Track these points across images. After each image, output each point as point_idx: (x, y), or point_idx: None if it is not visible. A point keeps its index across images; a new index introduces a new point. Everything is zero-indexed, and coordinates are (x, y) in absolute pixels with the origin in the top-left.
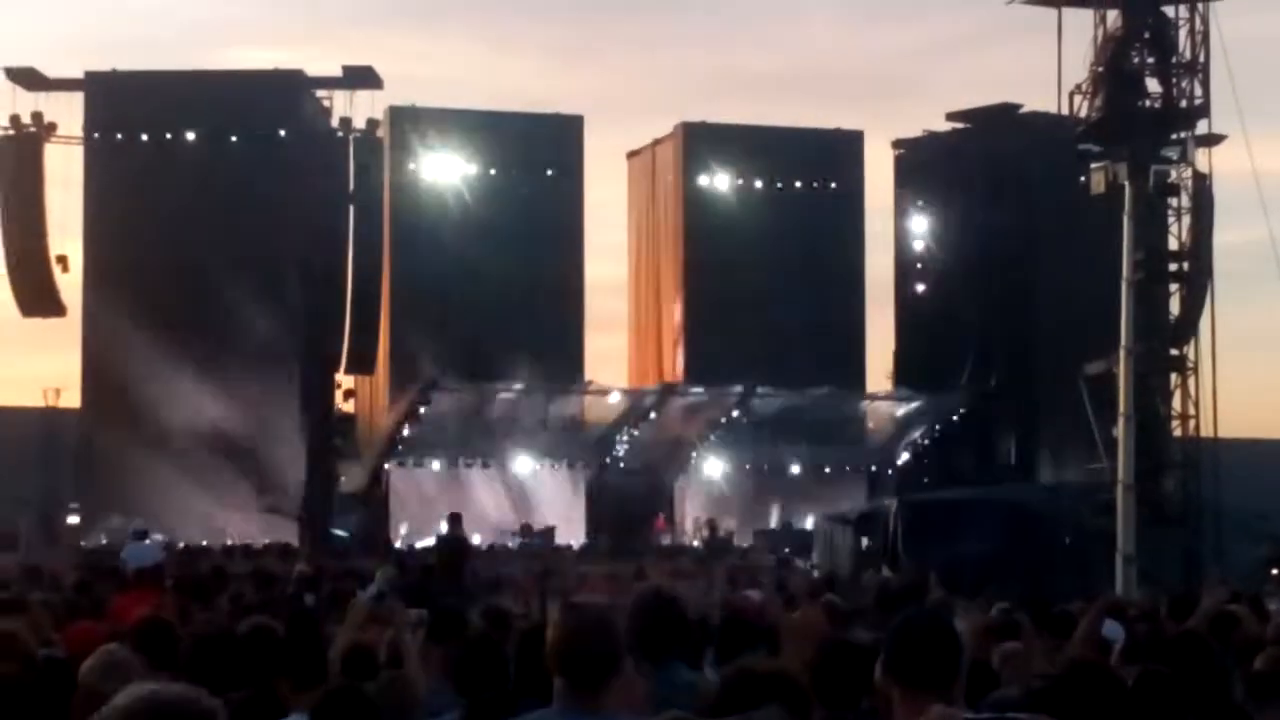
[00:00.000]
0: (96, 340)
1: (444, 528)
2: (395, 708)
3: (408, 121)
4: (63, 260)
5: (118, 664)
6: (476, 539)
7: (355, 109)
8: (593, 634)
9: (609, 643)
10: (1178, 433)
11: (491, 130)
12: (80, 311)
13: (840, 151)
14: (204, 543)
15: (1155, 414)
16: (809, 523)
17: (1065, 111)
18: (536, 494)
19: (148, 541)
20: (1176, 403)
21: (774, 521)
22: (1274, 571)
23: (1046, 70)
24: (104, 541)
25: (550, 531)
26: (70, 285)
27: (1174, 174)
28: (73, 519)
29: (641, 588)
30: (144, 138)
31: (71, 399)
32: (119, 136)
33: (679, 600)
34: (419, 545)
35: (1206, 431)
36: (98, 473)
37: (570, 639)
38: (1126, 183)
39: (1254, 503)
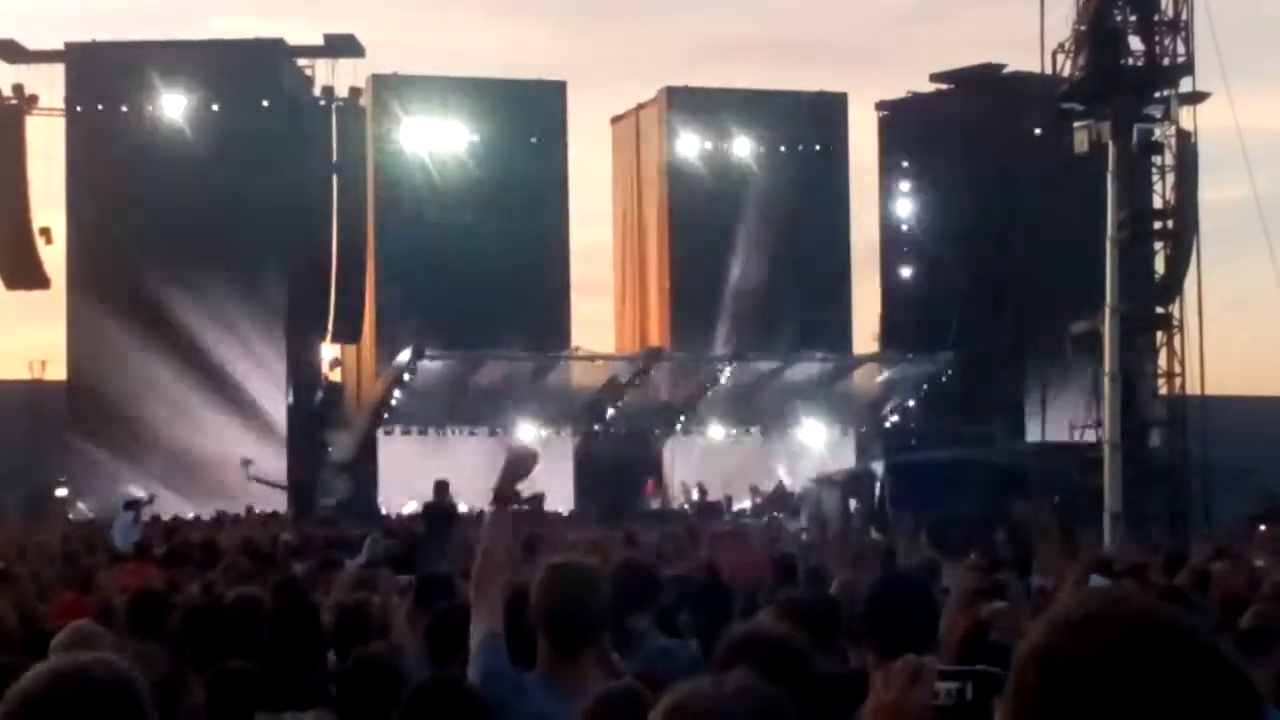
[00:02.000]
0: (82, 312)
1: (431, 495)
2: None
3: (390, 89)
4: (46, 233)
5: (86, 637)
6: (464, 506)
7: (337, 78)
8: (576, 592)
9: (592, 602)
10: (1164, 391)
11: (475, 97)
12: (65, 284)
13: (824, 114)
14: (192, 514)
15: (1141, 372)
16: (798, 485)
17: (1048, 71)
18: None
19: (137, 512)
20: (1162, 361)
21: (765, 484)
22: (1260, 527)
23: (1029, 30)
24: (91, 515)
25: (539, 498)
26: (54, 258)
27: (1158, 132)
28: (61, 491)
29: (616, 559)
30: (125, 109)
31: (57, 371)
32: (100, 108)
33: (652, 568)
34: (406, 512)
35: (1192, 389)
36: (85, 444)
37: (554, 598)
38: (1110, 141)
39: (1240, 459)
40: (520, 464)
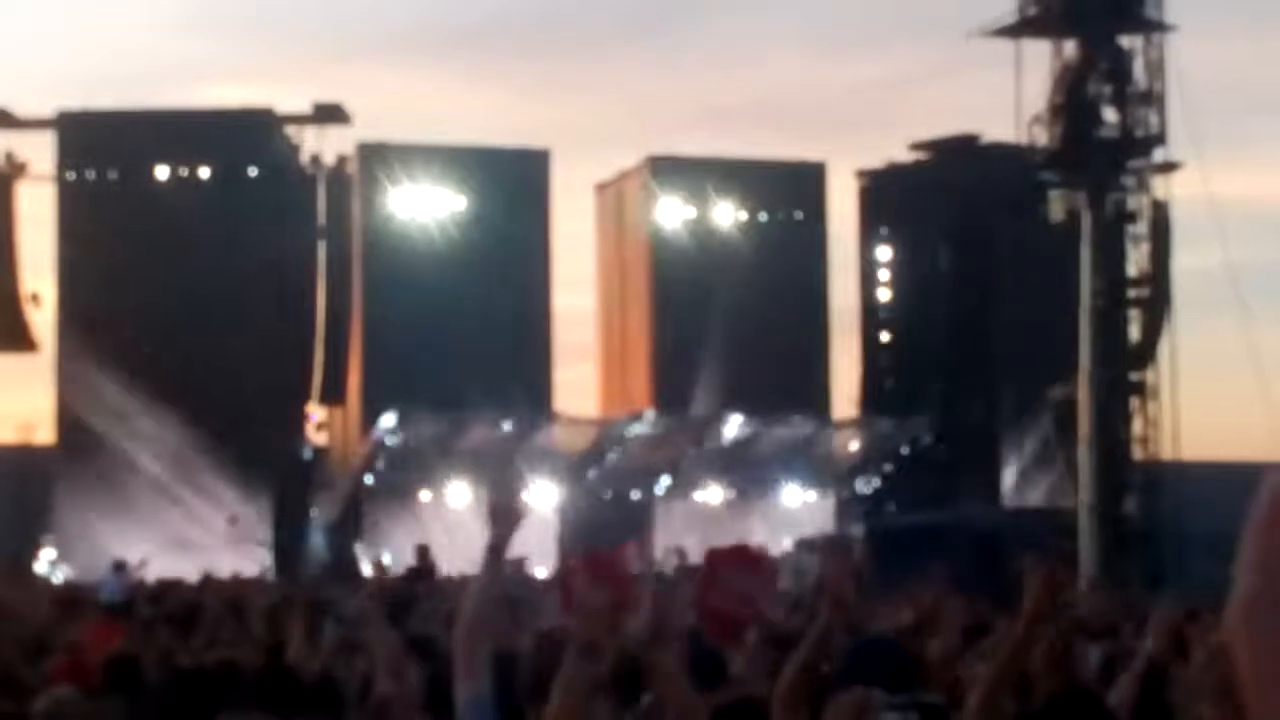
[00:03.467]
0: (69, 377)
1: (413, 559)
2: None
3: (377, 157)
4: (35, 298)
5: (62, 705)
6: (446, 570)
7: (325, 145)
8: (551, 658)
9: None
10: (1139, 456)
11: (460, 165)
12: (53, 348)
13: (805, 182)
14: (178, 576)
15: (1116, 437)
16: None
17: (1024, 141)
18: (524, 513)
19: (125, 573)
20: (1137, 426)
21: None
22: None
23: (1005, 101)
24: (70, 577)
25: (521, 562)
26: (43, 323)
27: (1131, 201)
28: (47, 554)
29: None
30: (114, 176)
31: (45, 435)
32: (90, 175)
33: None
34: (391, 574)
35: (1167, 454)
36: (71, 509)
37: (546, 667)
38: (1085, 210)
39: (1216, 523)
40: (507, 514)
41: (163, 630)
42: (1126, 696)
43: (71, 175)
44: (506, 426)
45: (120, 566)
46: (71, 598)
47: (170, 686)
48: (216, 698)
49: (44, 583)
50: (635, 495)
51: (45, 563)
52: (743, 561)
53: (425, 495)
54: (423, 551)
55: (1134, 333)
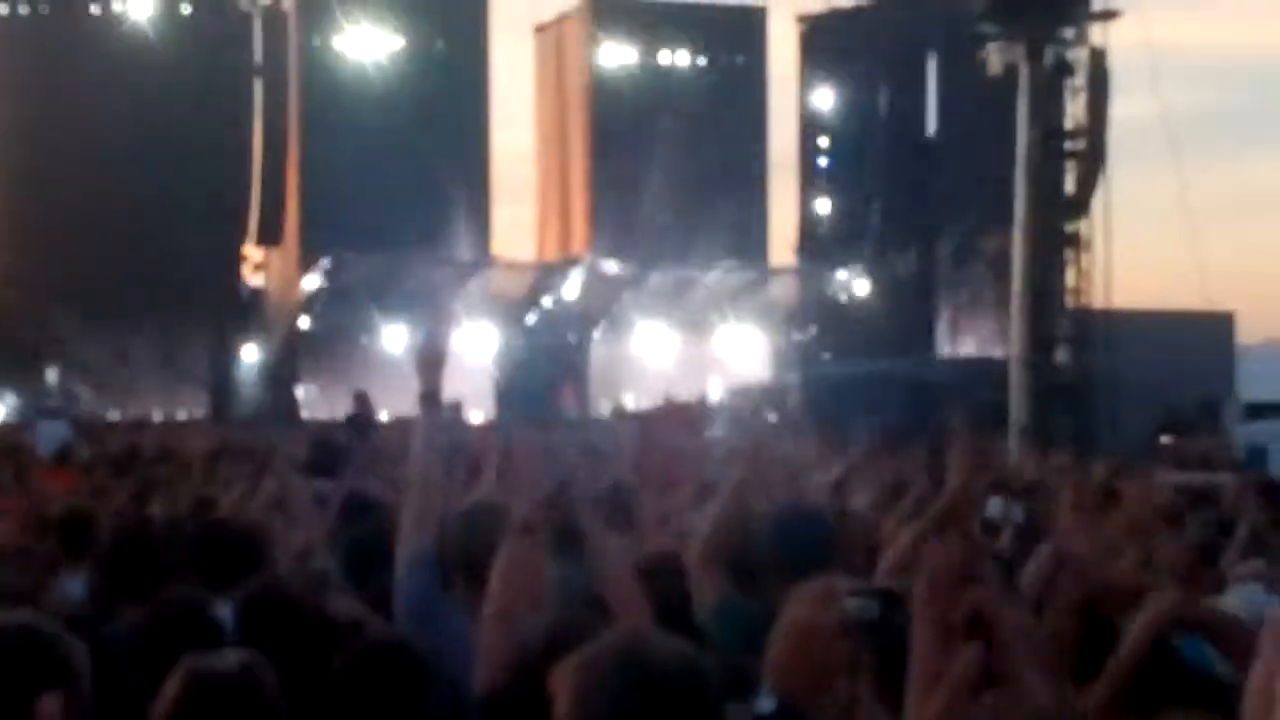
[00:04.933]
0: (6, 212)
1: (351, 406)
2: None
3: None
4: None
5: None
6: (384, 414)
7: None
8: (486, 532)
9: (494, 538)
10: (1071, 306)
11: (398, 4)
12: None
13: (745, 26)
14: (114, 415)
15: (1049, 289)
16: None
17: None
18: (447, 355)
19: (58, 419)
20: (1070, 277)
21: (681, 395)
22: (1163, 439)
23: None
24: (12, 417)
25: (458, 406)
26: None
27: (1070, 54)
28: None
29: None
30: (46, 10)
31: None
32: (23, 9)
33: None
34: (328, 419)
35: (1100, 305)
36: (10, 345)
37: (467, 538)
38: (1023, 63)
39: (1146, 374)
40: (432, 359)
41: (100, 475)
42: (1040, 576)
43: (3, 9)
44: (444, 269)
45: (53, 413)
46: (11, 445)
47: (118, 548)
48: (163, 558)
49: None
50: (572, 339)
51: None
52: (674, 419)
53: (363, 338)
54: (361, 398)
55: (1069, 184)
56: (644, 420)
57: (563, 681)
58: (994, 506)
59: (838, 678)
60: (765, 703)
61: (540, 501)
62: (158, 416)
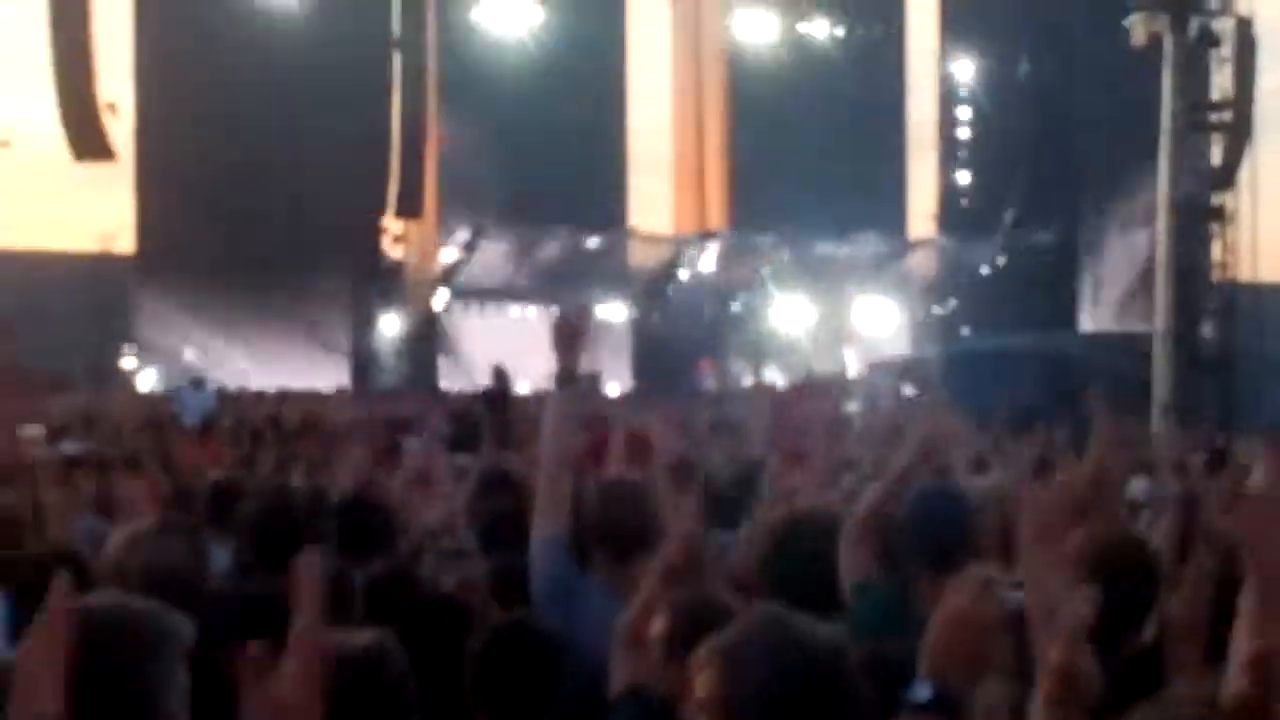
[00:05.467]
0: (149, 187)
1: (490, 379)
2: None
3: None
4: (112, 106)
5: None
6: (524, 388)
7: None
8: (630, 507)
9: (644, 515)
10: (1217, 279)
11: None
12: (133, 157)
13: None
14: (257, 388)
15: (1194, 262)
16: (853, 370)
17: None
18: (590, 335)
19: (203, 390)
20: (1216, 251)
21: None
22: None
23: None
24: (158, 386)
25: (596, 377)
26: (121, 132)
27: (1216, 24)
28: (128, 362)
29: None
30: None
31: (124, 245)
32: None
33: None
34: (469, 392)
35: (1246, 279)
36: (151, 318)
37: (608, 513)
38: (1167, 34)
39: None
40: (572, 335)
41: (244, 445)
42: (1168, 535)
43: None
44: (581, 242)
45: (199, 384)
46: (156, 416)
47: (260, 518)
48: (301, 536)
49: (128, 390)
50: (709, 312)
51: (127, 370)
52: (810, 394)
53: (500, 310)
54: (499, 373)
55: (1215, 156)
56: (778, 395)
57: (706, 664)
58: (1137, 487)
59: (995, 669)
60: (922, 691)
61: (684, 551)
62: (299, 387)
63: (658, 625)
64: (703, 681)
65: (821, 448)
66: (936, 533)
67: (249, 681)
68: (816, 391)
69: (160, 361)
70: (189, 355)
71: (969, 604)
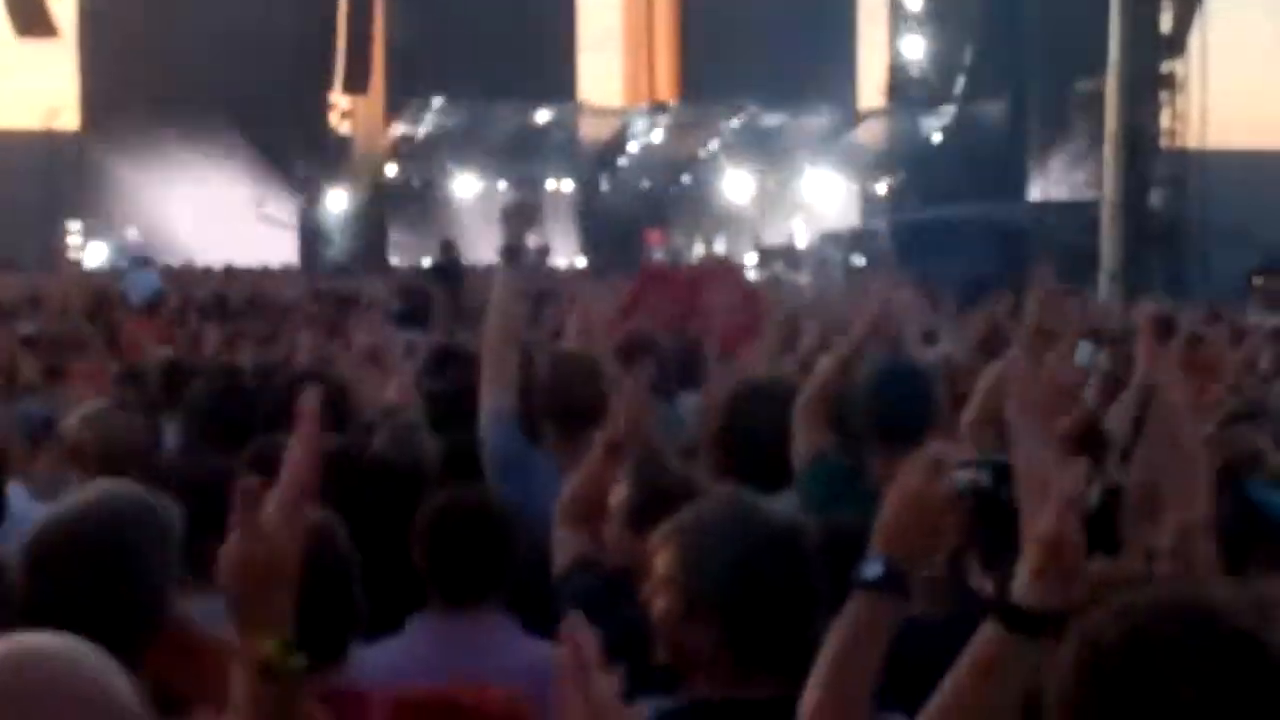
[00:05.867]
0: (93, 62)
1: (439, 253)
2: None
3: None
4: None
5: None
6: (472, 261)
7: None
8: (579, 381)
9: (593, 388)
10: (1166, 146)
11: None
12: (75, 34)
13: None
14: (203, 263)
15: (1143, 131)
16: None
17: None
18: (539, 214)
19: (148, 270)
20: (1165, 119)
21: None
22: (1257, 281)
23: None
24: (105, 262)
25: (545, 250)
26: (63, 9)
27: None
28: (74, 239)
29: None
30: None
31: (69, 121)
32: None
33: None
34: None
35: (1194, 146)
36: (97, 192)
37: (558, 387)
38: None
39: (1241, 215)
40: (521, 214)
41: (191, 323)
42: (1123, 423)
43: None
44: (530, 116)
45: (144, 262)
46: (102, 296)
47: (213, 398)
48: (251, 415)
49: (75, 270)
50: (658, 184)
51: (74, 246)
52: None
53: (450, 186)
54: (448, 246)
55: (1165, 23)
56: (677, 275)
57: (666, 542)
58: (1083, 353)
59: (945, 547)
60: (873, 567)
61: (631, 424)
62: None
63: (617, 496)
64: (662, 559)
65: (748, 325)
66: (890, 407)
67: (241, 511)
68: (726, 274)
69: (106, 237)
70: (133, 233)
71: (921, 483)
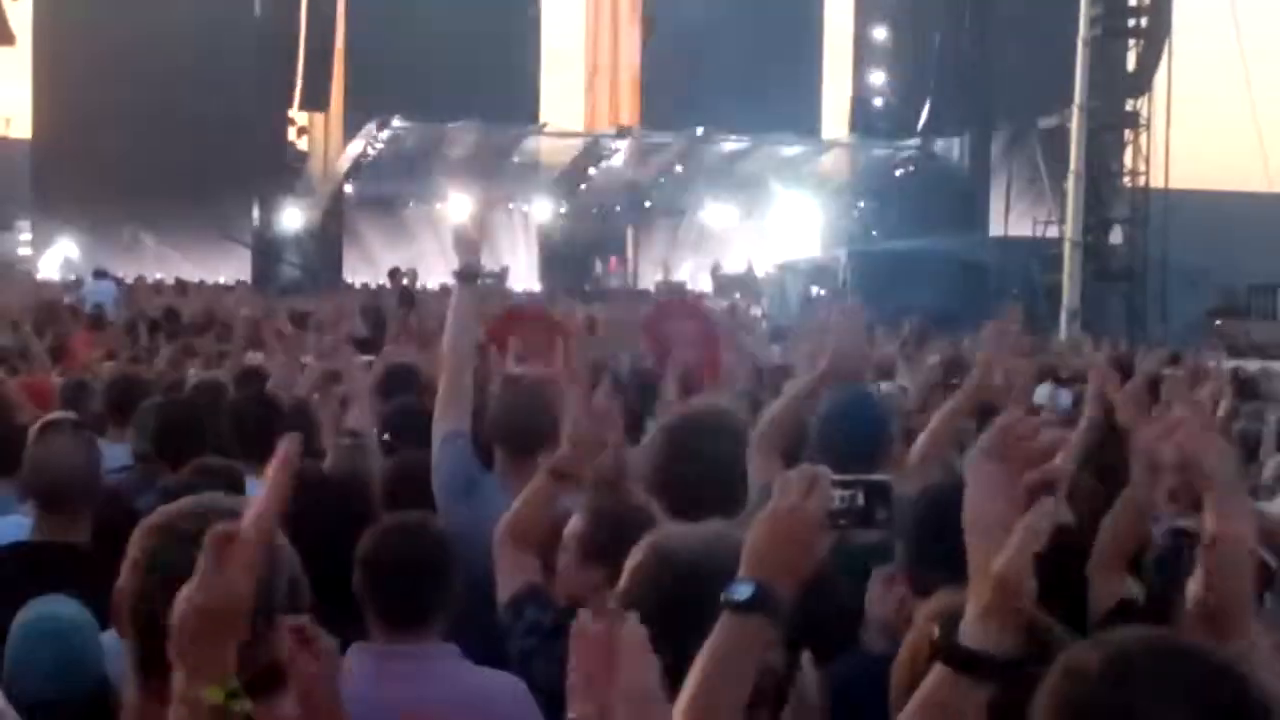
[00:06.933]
0: (48, 71)
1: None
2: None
3: None
4: None
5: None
6: (430, 282)
7: None
8: (527, 407)
9: (543, 415)
10: (1128, 186)
11: None
12: (30, 41)
13: None
14: (158, 276)
15: (1106, 169)
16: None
17: None
18: (491, 235)
19: (106, 281)
20: (1128, 158)
21: (735, 267)
22: (1217, 322)
23: None
24: (55, 274)
25: (503, 274)
26: (19, 17)
27: None
28: (24, 250)
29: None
30: None
31: (20, 130)
32: None
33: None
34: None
35: (1158, 185)
36: (50, 204)
37: (507, 413)
38: None
39: (1202, 257)
40: (472, 236)
41: (139, 337)
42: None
43: None
44: (492, 138)
45: (100, 274)
46: (51, 308)
47: (158, 415)
48: (202, 427)
49: (26, 281)
50: (619, 210)
51: (24, 257)
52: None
53: (408, 204)
54: (394, 273)
55: (1130, 62)
56: (648, 310)
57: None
58: (1042, 393)
59: (815, 567)
60: (742, 588)
61: (583, 452)
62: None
63: (573, 526)
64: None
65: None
66: (849, 438)
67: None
68: (685, 306)
69: (56, 248)
70: (81, 247)
71: (792, 503)
